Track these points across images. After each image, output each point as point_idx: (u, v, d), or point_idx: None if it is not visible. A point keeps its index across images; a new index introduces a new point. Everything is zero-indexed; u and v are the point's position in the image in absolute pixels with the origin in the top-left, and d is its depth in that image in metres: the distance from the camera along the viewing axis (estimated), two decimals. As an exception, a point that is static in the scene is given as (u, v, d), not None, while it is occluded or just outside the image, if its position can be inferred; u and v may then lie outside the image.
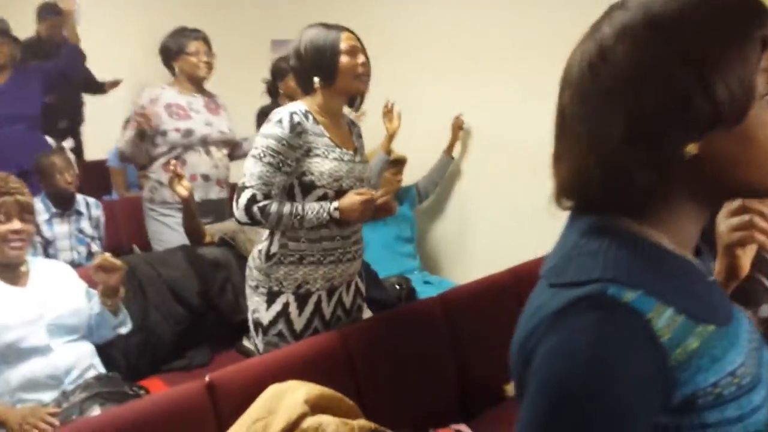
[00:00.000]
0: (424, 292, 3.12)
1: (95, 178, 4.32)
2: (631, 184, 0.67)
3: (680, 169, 0.67)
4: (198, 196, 2.90)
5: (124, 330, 2.12)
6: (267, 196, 1.82)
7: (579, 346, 0.64)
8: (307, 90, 1.95)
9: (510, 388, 2.38)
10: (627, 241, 0.69)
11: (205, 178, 2.99)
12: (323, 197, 1.89)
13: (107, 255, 1.98)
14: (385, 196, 1.97)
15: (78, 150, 4.43)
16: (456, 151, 3.54)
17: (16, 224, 1.92)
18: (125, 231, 3.50)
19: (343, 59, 1.89)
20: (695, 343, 0.66)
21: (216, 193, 3.04)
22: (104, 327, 2.08)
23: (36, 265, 2.07)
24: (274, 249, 1.93)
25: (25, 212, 1.96)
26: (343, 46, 1.90)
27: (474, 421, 2.18)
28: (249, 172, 1.83)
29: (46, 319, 1.94)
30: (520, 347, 0.70)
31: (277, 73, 3.50)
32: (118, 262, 1.99)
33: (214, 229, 2.82)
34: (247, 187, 1.83)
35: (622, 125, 0.66)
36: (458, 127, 3.48)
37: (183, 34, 3.03)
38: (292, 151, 1.83)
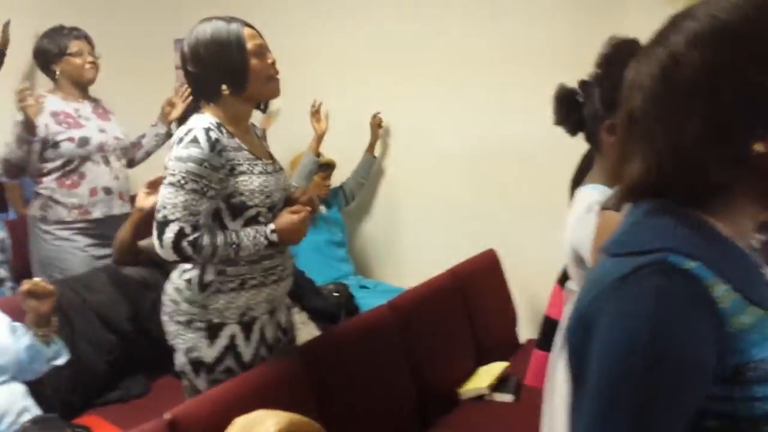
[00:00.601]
0: (363, 298, 3.08)
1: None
2: (707, 179, 0.72)
3: (747, 165, 0.71)
4: (100, 212, 2.68)
5: (60, 361, 1.94)
6: (195, 228, 1.63)
7: (643, 309, 0.67)
8: (211, 98, 1.74)
9: (464, 391, 2.39)
10: (689, 221, 0.73)
11: (107, 191, 2.70)
12: (255, 217, 1.74)
13: (37, 279, 1.80)
14: (306, 196, 1.86)
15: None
16: (378, 151, 3.51)
17: None
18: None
19: (253, 62, 1.71)
20: (749, 320, 0.70)
21: (119, 207, 2.75)
22: (38, 360, 1.88)
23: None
24: (209, 277, 1.73)
25: None
26: (249, 46, 1.70)
27: (433, 428, 2.17)
28: (170, 202, 1.62)
29: (-32, 362, 1.74)
30: (580, 317, 0.74)
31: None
32: (49, 286, 1.81)
33: (143, 247, 2.64)
34: (170, 221, 1.61)
35: (700, 124, 0.71)
36: (377, 126, 3.45)
37: (61, 33, 2.69)
38: (215, 172, 1.65)
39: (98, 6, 3.92)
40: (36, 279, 1.80)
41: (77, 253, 2.64)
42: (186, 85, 2.96)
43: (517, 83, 2.96)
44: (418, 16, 3.27)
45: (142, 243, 2.61)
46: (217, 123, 1.70)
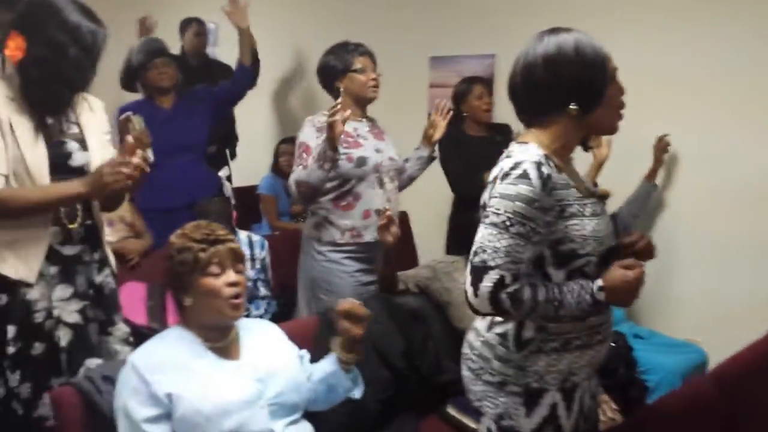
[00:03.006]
0: (639, 350, 2.68)
1: (244, 206, 4.13)
2: None
3: None
4: (371, 236, 2.56)
5: (357, 393, 1.81)
6: (516, 278, 1.40)
7: None
8: (548, 115, 1.49)
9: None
10: None
11: (380, 214, 2.54)
12: (583, 267, 1.47)
13: (354, 301, 1.69)
14: (644, 241, 1.56)
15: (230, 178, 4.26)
16: (658, 179, 3.07)
17: (231, 276, 1.64)
18: (289, 270, 3.18)
19: (610, 87, 1.48)
20: None
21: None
22: (336, 390, 1.76)
23: (242, 327, 1.79)
24: (528, 333, 1.49)
25: (239, 262, 1.68)
26: (609, 68, 1.49)
27: None
28: (491, 246, 1.40)
29: (266, 397, 1.65)
30: None
31: (459, 95, 3.16)
32: (364, 309, 1.68)
33: (405, 277, 2.49)
34: (490, 267, 1.39)
35: None
36: (662, 150, 3.01)
37: (346, 49, 2.61)
38: (544, 214, 1.42)
39: (355, 22, 3.94)
40: (353, 300, 1.71)
41: (345, 278, 2.55)
42: (444, 101, 2.85)
43: None
44: (718, 31, 2.81)
45: (409, 273, 2.46)
46: (545, 155, 1.46)
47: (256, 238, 3.12)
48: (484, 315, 1.49)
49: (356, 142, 2.57)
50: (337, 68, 2.59)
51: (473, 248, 1.44)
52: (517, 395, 1.50)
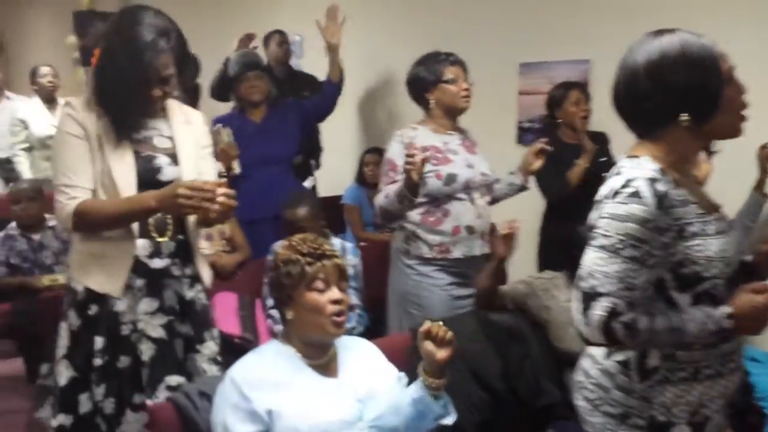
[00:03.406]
0: (757, 375, 2.47)
1: (328, 216, 4.11)
2: None
3: None
4: (460, 252, 2.47)
5: (449, 420, 1.71)
6: (631, 306, 1.28)
7: None
8: (656, 128, 1.37)
9: None
10: None
11: (470, 230, 2.49)
12: (709, 291, 1.34)
13: (437, 322, 1.60)
14: None
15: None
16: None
17: (335, 293, 1.59)
18: (376, 281, 3.13)
19: (727, 89, 1.34)
20: None
21: (479, 248, 2.52)
22: (425, 417, 1.67)
23: (340, 345, 1.73)
24: (653, 362, 1.37)
25: (343, 279, 1.63)
26: (724, 68, 1.34)
27: None
28: (600, 271, 1.29)
29: (367, 420, 1.58)
30: None
31: (554, 101, 3.04)
32: (448, 330, 1.59)
33: (500, 293, 2.38)
34: (601, 294, 1.28)
35: None
36: (766, 159, 2.78)
37: (437, 59, 2.53)
38: (660, 235, 1.30)
39: (440, 29, 3.86)
40: (437, 321, 1.60)
41: (437, 292, 2.48)
42: (544, 140, 2.70)
43: None
44: None
45: (506, 289, 2.35)
46: (660, 169, 1.34)
47: (348, 244, 3.08)
48: (596, 345, 1.38)
49: (445, 157, 2.49)
50: (427, 79, 2.52)
51: (580, 272, 1.34)
52: (641, 429, 1.38)
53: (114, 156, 1.78)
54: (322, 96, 3.59)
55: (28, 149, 4.56)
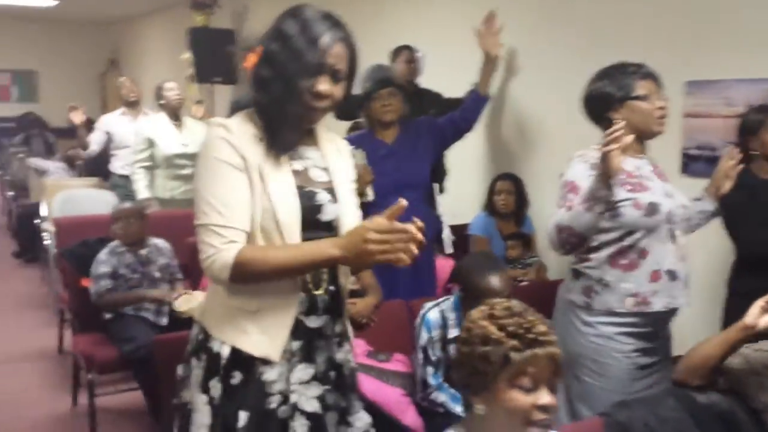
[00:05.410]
0: None
1: (453, 246, 3.75)
2: None
3: None
4: (661, 304, 2.02)
5: None
6: None
7: None
8: None
9: None
10: None
11: (672, 276, 2.04)
12: None
13: None
14: None
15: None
16: None
17: (545, 396, 1.20)
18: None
19: None
20: None
21: (684, 299, 2.09)
22: None
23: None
24: None
25: (557, 376, 1.23)
26: None
27: None
28: None
29: None
30: None
31: (749, 128, 2.55)
32: None
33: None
34: None
35: None
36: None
37: (625, 71, 2.09)
38: None
39: (589, 41, 3.44)
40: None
41: (619, 358, 2.04)
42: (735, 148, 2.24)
43: None
44: None
45: (731, 364, 1.88)
46: None
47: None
48: None
49: (640, 184, 2.05)
50: (613, 96, 2.08)
51: None
52: None
53: (277, 191, 1.46)
54: (463, 110, 3.23)
55: (149, 168, 4.45)
